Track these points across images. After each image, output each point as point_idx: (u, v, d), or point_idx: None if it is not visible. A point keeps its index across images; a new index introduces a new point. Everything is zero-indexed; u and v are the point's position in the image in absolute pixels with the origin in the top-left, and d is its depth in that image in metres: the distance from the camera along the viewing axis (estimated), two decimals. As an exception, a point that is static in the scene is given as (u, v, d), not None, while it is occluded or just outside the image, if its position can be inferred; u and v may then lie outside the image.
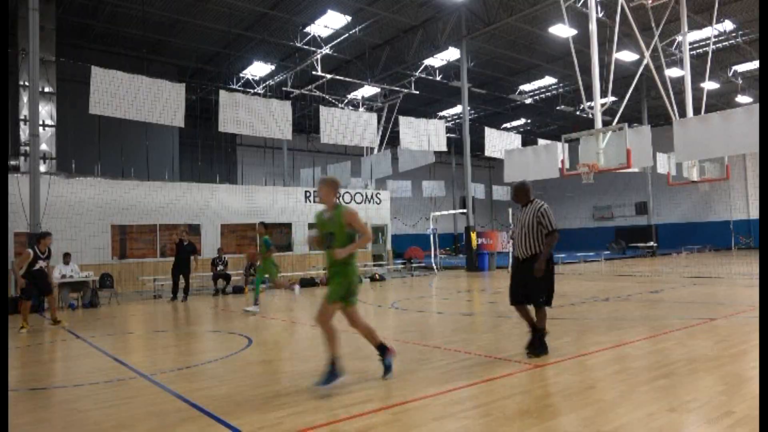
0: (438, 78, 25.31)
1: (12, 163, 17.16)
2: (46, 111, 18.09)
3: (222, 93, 16.36)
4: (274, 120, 17.17)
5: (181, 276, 14.37)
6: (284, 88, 25.17)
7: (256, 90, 25.84)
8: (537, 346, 5.80)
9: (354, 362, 5.86)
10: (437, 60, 24.31)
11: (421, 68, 24.91)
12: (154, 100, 15.07)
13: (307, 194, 22.46)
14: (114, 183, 17.83)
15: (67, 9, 19.15)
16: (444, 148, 22.26)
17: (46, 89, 18.08)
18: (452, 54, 23.41)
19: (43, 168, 15.75)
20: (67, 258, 13.65)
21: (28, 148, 15.29)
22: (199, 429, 3.91)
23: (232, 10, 20.00)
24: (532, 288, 5.76)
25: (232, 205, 20.24)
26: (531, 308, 5.91)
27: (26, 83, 17.06)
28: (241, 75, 25.83)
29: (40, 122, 16.19)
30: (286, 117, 17.33)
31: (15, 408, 4.73)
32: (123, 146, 22.10)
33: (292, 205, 21.89)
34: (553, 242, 5.73)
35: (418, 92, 26.31)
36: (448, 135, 22.24)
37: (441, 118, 31.12)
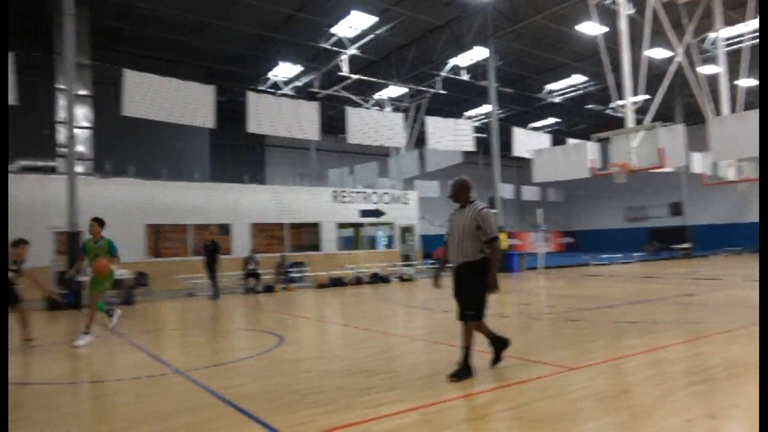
0: (465, 77, 25.17)
1: (50, 164, 17.67)
2: (82, 113, 18.60)
3: (250, 94, 16.56)
4: (301, 121, 17.31)
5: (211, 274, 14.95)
6: (311, 89, 25.36)
7: (283, 91, 26.10)
8: (461, 369, 5.01)
9: (385, 362, 5.88)
10: (464, 59, 24.18)
11: (447, 68, 24.81)
12: (185, 102, 15.35)
13: (335, 194, 22.58)
14: (147, 183, 18.20)
15: (100, 13, 19.63)
16: (471, 148, 22.12)
17: (82, 92, 18.58)
18: (479, 53, 23.25)
19: (79, 169, 16.17)
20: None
21: (65, 149, 15.72)
22: (232, 425, 3.98)
23: (259, 12, 20.25)
24: (463, 299, 5.15)
25: (261, 205, 20.48)
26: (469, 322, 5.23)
27: (63, 86, 17.55)
28: (269, 76, 26.12)
29: (77, 124, 16.64)
30: (313, 118, 17.46)
31: (54, 401, 4.87)
32: (156, 147, 22.58)
33: (319, 205, 22.03)
34: (498, 250, 5.15)
35: (444, 92, 26.21)
36: (475, 135, 22.07)
37: (468, 117, 30.94)
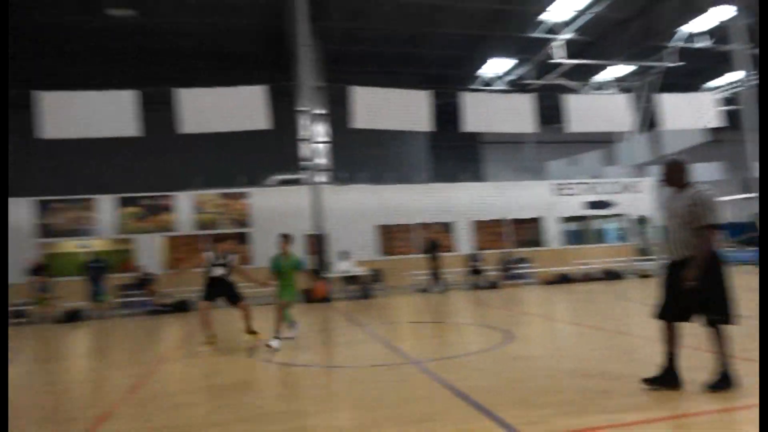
0: (703, 44, 21.90)
1: (297, 176, 20.39)
2: (320, 130, 21.06)
3: (463, 94, 16.89)
4: (515, 114, 17.06)
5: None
6: (523, 81, 24.77)
7: (496, 87, 25.98)
8: (719, 379, 4.28)
9: (623, 365, 5.46)
10: (700, 23, 21.01)
11: (679, 36, 21.89)
12: (406, 110, 16.38)
13: (556, 187, 21.69)
14: (377, 188, 19.83)
15: (330, 41, 21.97)
16: (717, 124, 19.19)
17: (319, 111, 21.04)
18: (720, 14, 19.97)
19: (320, 179, 18.35)
20: (344, 255, 15.81)
21: (308, 162, 17.98)
22: (464, 416, 4.10)
23: (466, 14, 20.51)
24: (705, 301, 4.26)
25: (480, 202, 20.70)
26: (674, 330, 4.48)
27: (303, 108, 20.12)
28: (480, 74, 26.26)
29: (316, 140, 18.91)
30: (527, 110, 17.06)
31: (311, 381, 5.64)
32: (382, 154, 24.47)
33: (540, 199, 21.39)
34: (709, 241, 4.26)
35: (677, 64, 23.18)
36: (721, 108, 19.09)
37: (709, 89, 26.87)
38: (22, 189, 17.96)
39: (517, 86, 25.45)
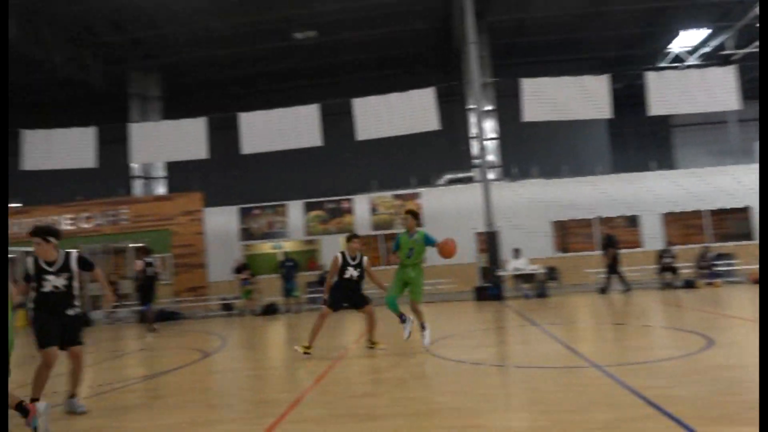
0: None
1: (468, 174, 20.39)
2: (490, 126, 20.81)
3: (649, 74, 15.34)
4: (714, 91, 15.07)
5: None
6: (723, 52, 21.67)
7: (687, 62, 23.15)
8: None
9: None
10: None
11: None
12: (580, 97, 15.38)
13: None
14: (550, 182, 18.96)
15: (497, 35, 21.56)
16: None
17: (488, 108, 20.79)
18: None
19: (491, 176, 18.11)
20: (516, 253, 15.39)
21: (478, 160, 17.87)
22: (659, 428, 3.70)
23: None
24: None
25: (672, 192, 18.60)
26: None
27: (472, 106, 20.05)
28: (669, 50, 23.61)
29: (486, 137, 18.71)
30: (729, 85, 14.93)
31: (485, 380, 5.57)
32: (555, 147, 23.29)
33: (747, 185, 18.53)
34: None
35: None
36: None
37: None
38: (229, 198, 20.68)
39: (714, 59, 22.42)
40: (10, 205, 21.20)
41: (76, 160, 18.18)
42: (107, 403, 5.71)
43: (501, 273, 15.18)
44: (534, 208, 18.56)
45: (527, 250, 16.37)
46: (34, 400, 4.70)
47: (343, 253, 7.49)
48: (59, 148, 18.16)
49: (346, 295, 7.44)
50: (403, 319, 7.29)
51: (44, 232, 5.01)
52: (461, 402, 4.74)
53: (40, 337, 4.96)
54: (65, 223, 19.84)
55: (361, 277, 7.49)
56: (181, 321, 15.71)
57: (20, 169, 18.60)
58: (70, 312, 5.06)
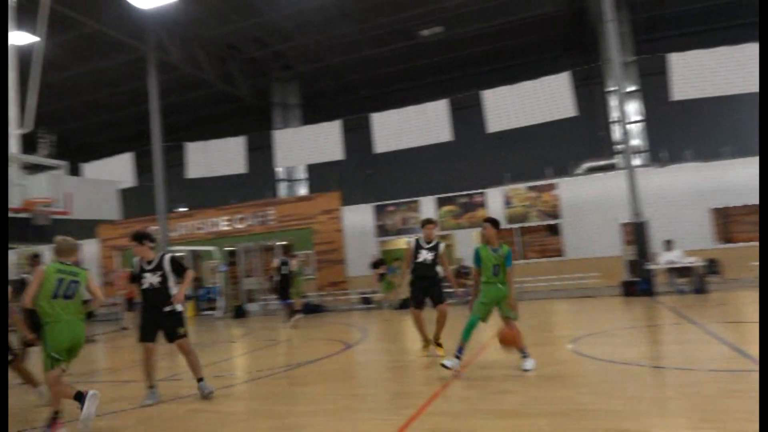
0: None
1: (610, 161, 19.05)
2: (633, 108, 19.27)
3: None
4: None
5: None
6: None
7: None
8: None
9: None
10: None
11: None
12: (739, 69, 13.68)
13: None
14: (708, 165, 17.06)
15: (636, 8, 19.84)
16: None
17: (630, 89, 19.26)
18: None
19: (636, 162, 16.75)
20: (669, 244, 14.07)
21: (621, 146, 16.64)
22: None
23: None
24: None
25: None
26: None
27: (613, 88, 18.68)
28: None
29: (629, 120, 17.34)
30: None
31: (634, 382, 5.17)
32: (712, 126, 20.88)
33: None
34: None
35: None
36: None
37: None
38: (364, 196, 21.47)
39: None
40: (178, 209, 24.02)
41: (229, 166, 20.13)
42: (259, 388, 6.24)
43: (651, 266, 14.00)
44: (688, 195, 16.83)
45: (681, 242, 14.91)
46: (151, 387, 5.63)
47: (417, 239, 7.32)
48: (215, 157, 20.22)
49: (423, 287, 7.15)
50: (457, 355, 5.89)
51: (139, 236, 5.70)
52: (608, 404, 4.47)
53: (139, 331, 5.71)
54: (222, 224, 22.01)
55: (434, 261, 7.17)
56: (325, 314, 16.62)
57: (184, 178, 21.02)
58: (166, 309, 5.62)
